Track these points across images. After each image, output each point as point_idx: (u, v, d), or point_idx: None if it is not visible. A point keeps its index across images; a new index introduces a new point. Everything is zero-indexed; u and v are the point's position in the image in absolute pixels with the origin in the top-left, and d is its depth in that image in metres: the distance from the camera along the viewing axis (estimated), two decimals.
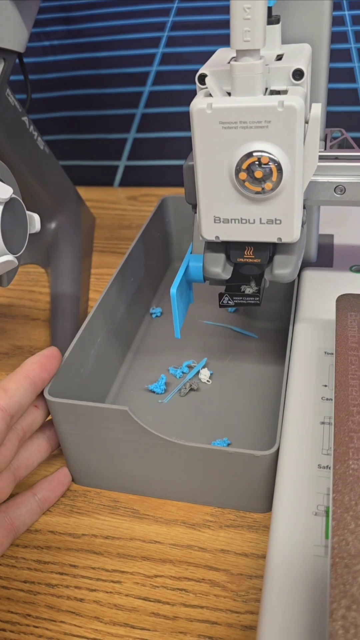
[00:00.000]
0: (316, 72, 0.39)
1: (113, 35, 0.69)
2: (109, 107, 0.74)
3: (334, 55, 0.65)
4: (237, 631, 0.31)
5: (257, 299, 0.37)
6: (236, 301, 0.37)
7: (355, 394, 0.30)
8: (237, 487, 0.36)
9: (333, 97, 0.67)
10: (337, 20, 0.63)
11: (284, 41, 0.38)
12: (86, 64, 0.71)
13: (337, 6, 0.62)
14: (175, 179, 0.75)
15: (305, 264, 0.47)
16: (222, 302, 0.38)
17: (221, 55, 0.35)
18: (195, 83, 0.33)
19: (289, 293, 0.48)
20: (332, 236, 0.50)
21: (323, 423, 0.33)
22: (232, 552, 0.35)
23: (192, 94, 0.33)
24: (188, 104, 0.32)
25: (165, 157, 0.77)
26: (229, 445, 0.40)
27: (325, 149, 0.40)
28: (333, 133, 0.42)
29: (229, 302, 0.38)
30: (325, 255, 0.48)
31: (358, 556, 0.22)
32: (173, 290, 0.38)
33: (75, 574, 0.35)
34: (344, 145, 0.41)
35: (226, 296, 0.37)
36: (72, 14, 0.68)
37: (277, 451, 0.33)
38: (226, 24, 0.29)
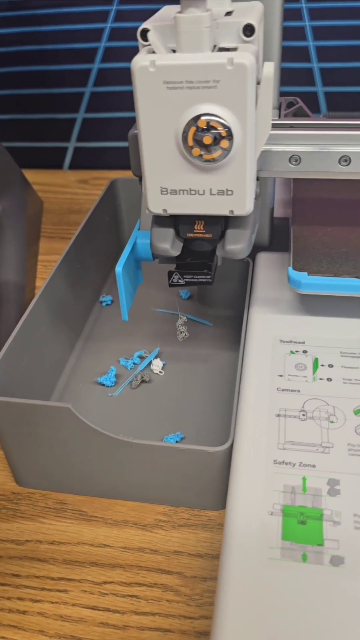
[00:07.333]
0: (269, 30, 0.36)
1: (58, 8, 0.65)
2: (55, 85, 0.71)
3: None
4: (191, 638, 0.29)
5: (209, 277, 0.34)
6: (187, 279, 0.35)
7: None
8: (190, 484, 0.33)
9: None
10: None
11: None
12: (29, 38, 0.68)
13: None
14: (129, 162, 0.72)
15: (259, 248, 0.45)
16: (172, 281, 0.35)
17: (166, 12, 0.32)
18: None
19: (243, 277, 0.46)
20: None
21: (279, 415, 0.32)
22: (186, 554, 0.33)
23: None
24: None
25: (117, 138, 0.74)
26: (182, 439, 0.38)
27: (279, 117, 0.38)
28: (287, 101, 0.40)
29: (179, 280, 0.35)
30: (280, 239, 0.46)
31: None
32: (118, 268, 0.35)
33: (17, 584, 0.32)
34: (298, 114, 0.40)
35: (176, 274, 0.35)
36: None
37: (231, 447, 0.31)
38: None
